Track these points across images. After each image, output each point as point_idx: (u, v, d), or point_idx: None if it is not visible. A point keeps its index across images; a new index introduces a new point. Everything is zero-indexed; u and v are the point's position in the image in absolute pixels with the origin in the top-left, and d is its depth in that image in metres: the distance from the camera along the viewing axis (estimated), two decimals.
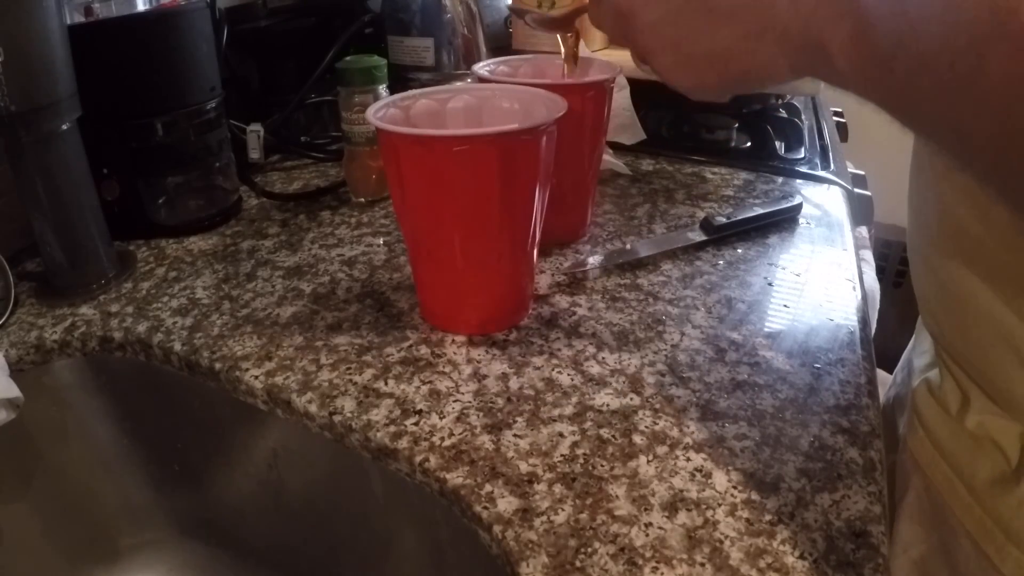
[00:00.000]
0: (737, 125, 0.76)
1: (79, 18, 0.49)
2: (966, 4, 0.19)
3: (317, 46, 0.69)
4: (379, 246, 0.53)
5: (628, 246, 0.52)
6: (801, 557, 0.28)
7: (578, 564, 0.28)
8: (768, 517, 0.30)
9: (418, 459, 0.33)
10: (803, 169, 0.67)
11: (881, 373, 0.47)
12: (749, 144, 0.74)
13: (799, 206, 0.57)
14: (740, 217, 0.53)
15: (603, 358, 0.40)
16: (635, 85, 0.68)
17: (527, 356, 0.40)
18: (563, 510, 0.30)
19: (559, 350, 0.41)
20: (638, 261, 0.50)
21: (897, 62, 0.22)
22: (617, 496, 0.31)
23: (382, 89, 0.57)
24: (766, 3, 0.27)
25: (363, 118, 0.56)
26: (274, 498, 0.45)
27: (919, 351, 0.48)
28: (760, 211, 0.55)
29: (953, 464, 0.40)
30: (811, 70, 0.27)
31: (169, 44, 0.51)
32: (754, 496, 0.31)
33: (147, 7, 0.55)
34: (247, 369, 0.40)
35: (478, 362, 0.40)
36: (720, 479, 0.32)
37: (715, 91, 0.32)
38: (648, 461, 0.33)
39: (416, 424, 0.35)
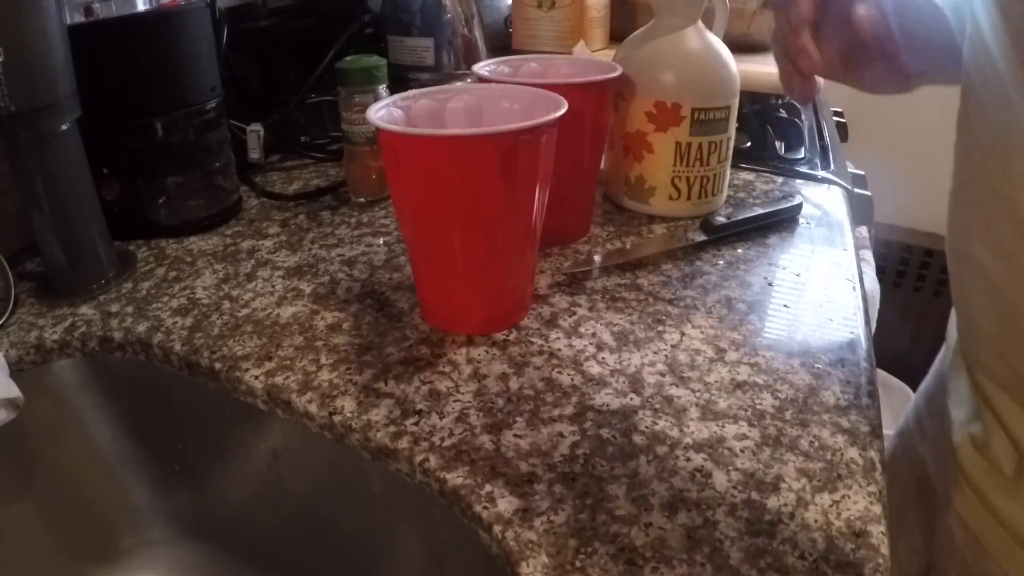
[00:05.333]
0: (737, 125, 0.76)
1: (79, 18, 0.49)
2: None
3: (317, 46, 0.69)
4: (379, 246, 0.53)
5: (628, 246, 0.52)
6: (801, 557, 0.28)
7: (578, 564, 0.28)
8: (768, 517, 0.30)
9: (418, 459, 0.33)
10: (803, 169, 0.67)
11: (881, 373, 0.47)
12: (749, 144, 0.74)
13: (799, 206, 0.57)
14: (740, 217, 0.53)
15: (603, 358, 0.40)
16: None
17: (527, 356, 0.40)
18: (563, 510, 0.30)
19: (559, 350, 0.41)
20: (638, 261, 0.50)
21: None
22: (617, 496, 0.31)
23: (382, 89, 0.57)
24: None
25: (363, 118, 0.56)
26: (274, 498, 0.45)
27: (956, 400, 0.43)
28: (760, 211, 0.55)
29: (1011, 528, 0.37)
30: None
31: (169, 44, 0.51)
32: (754, 496, 0.31)
33: (147, 7, 0.55)
34: (247, 369, 0.40)
35: (478, 362, 0.40)
36: (720, 479, 0.32)
37: None
38: (648, 461, 0.33)
39: (416, 424, 0.35)
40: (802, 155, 0.71)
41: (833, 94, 0.99)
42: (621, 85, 0.54)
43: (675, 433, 0.34)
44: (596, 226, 0.56)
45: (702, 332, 0.42)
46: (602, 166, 0.56)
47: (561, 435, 0.34)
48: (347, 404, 0.37)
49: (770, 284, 0.47)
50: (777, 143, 0.73)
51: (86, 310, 0.46)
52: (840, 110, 0.95)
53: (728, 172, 0.57)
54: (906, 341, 1.64)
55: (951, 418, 0.43)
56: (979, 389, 0.40)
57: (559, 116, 0.38)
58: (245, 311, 0.45)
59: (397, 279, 0.48)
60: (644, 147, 0.54)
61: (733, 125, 0.55)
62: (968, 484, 0.40)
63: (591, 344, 0.41)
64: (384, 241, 0.54)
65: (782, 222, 0.56)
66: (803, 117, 0.81)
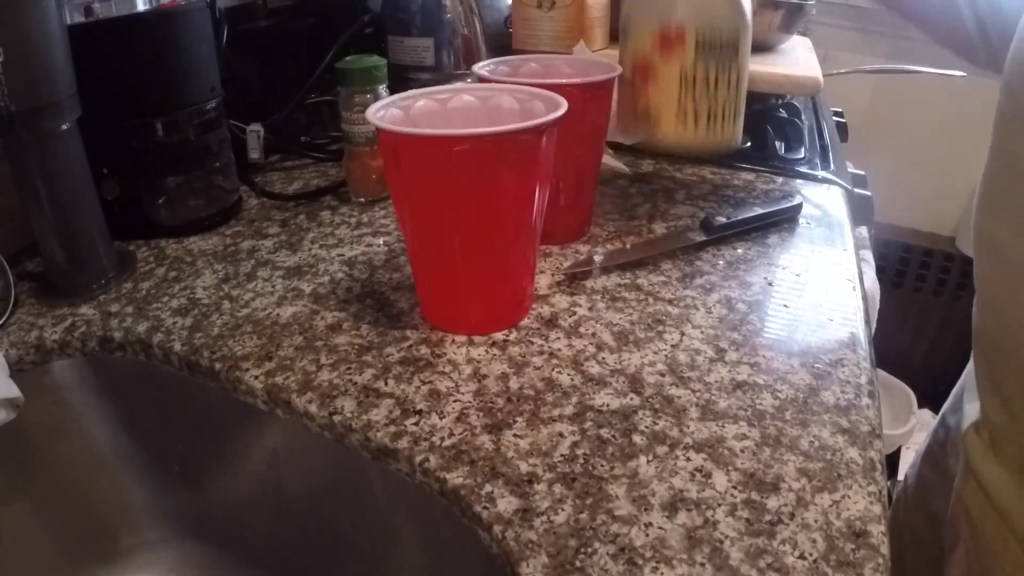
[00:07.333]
0: None
1: (79, 18, 0.49)
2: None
3: (317, 46, 0.69)
4: (379, 246, 0.53)
5: (628, 246, 0.52)
6: (801, 557, 0.28)
7: (578, 564, 0.28)
8: (768, 517, 0.30)
9: (418, 459, 0.33)
10: (803, 169, 0.67)
11: (881, 373, 0.47)
12: (749, 144, 0.74)
13: (799, 206, 0.57)
14: (740, 217, 0.53)
15: (603, 358, 0.40)
16: None
17: (527, 356, 0.40)
18: (563, 510, 0.30)
19: (559, 350, 0.41)
20: (638, 261, 0.50)
21: None
22: (617, 496, 0.31)
23: (382, 89, 0.57)
24: None
25: (363, 118, 0.56)
26: (274, 498, 0.45)
27: (972, 389, 0.45)
28: (760, 211, 0.55)
29: (1006, 519, 0.38)
30: None
31: (169, 44, 0.51)
32: (754, 496, 0.31)
33: (147, 7, 0.55)
34: (247, 369, 0.40)
35: (478, 362, 0.40)
36: (720, 479, 0.32)
37: None
38: (648, 461, 0.33)
39: (416, 424, 0.35)
40: (802, 155, 0.71)
41: (833, 95, 0.99)
42: (627, 12, 0.52)
43: (675, 433, 0.34)
44: (596, 226, 0.56)
45: (702, 332, 0.42)
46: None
47: (561, 435, 0.34)
48: (347, 404, 0.37)
49: (770, 284, 0.47)
50: (777, 143, 0.73)
51: (86, 310, 0.46)
52: (840, 110, 0.95)
53: (743, 109, 0.56)
54: (906, 341, 1.64)
55: (964, 412, 0.45)
56: (995, 378, 0.41)
57: (559, 116, 0.38)
58: (245, 311, 0.45)
59: (397, 279, 0.48)
60: (650, 74, 0.53)
61: (743, 57, 0.54)
62: (973, 476, 0.41)
63: (591, 344, 0.41)
64: (384, 241, 0.54)
65: (782, 222, 0.56)
66: (803, 117, 0.82)
